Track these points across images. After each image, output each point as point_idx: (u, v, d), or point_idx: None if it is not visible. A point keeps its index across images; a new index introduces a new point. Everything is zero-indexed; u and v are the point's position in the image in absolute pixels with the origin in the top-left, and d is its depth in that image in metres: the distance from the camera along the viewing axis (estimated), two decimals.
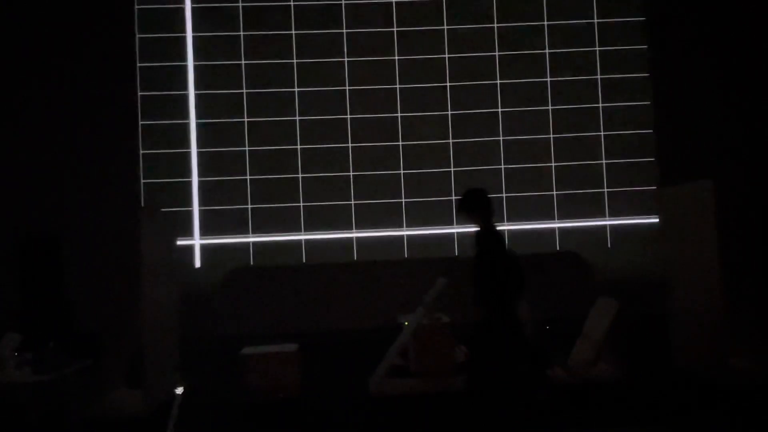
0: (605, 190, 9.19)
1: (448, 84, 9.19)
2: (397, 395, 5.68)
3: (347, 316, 8.59)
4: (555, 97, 9.24)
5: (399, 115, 9.17)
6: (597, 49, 9.30)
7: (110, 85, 8.61)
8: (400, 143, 9.13)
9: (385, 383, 5.82)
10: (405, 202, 9.06)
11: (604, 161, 9.23)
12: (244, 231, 8.94)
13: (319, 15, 9.18)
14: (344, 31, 9.16)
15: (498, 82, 9.23)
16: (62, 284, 7.66)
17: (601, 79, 9.27)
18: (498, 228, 5.09)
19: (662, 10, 9.15)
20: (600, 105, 9.26)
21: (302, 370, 5.91)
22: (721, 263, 5.51)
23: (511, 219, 9.08)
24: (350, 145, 9.09)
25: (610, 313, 5.99)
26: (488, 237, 4.98)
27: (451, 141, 9.16)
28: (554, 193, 9.16)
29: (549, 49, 9.27)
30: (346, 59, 9.15)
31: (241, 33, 9.10)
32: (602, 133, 9.25)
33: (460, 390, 5.14)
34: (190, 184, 8.94)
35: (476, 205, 5.06)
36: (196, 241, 8.84)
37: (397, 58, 9.20)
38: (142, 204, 8.72)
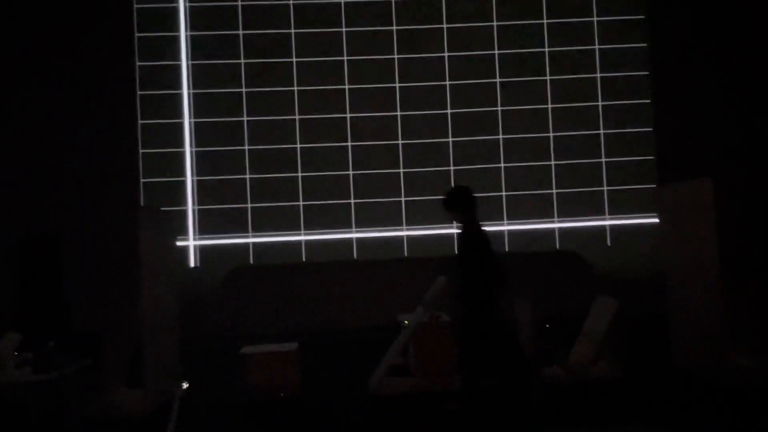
0: (605, 188, 9.19)
1: (447, 82, 9.18)
2: (397, 394, 5.69)
3: (347, 316, 8.60)
4: (554, 96, 9.24)
5: (398, 113, 9.16)
6: (597, 47, 9.29)
7: (109, 85, 8.62)
8: (400, 142, 9.13)
9: (385, 382, 5.83)
10: (405, 201, 9.06)
11: (603, 159, 9.23)
12: (243, 230, 8.95)
13: (318, 13, 9.18)
14: (344, 29, 9.15)
15: (497, 80, 9.22)
16: (62, 284, 7.67)
17: (600, 77, 9.27)
18: (482, 226, 5.10)
19: (662, 8, 9.15)
20: (600, 103, 9.26)
21: (302, 370, 5.91)
22: (720, 261, 5.51)
23: (511, 218, 9.08)
24: (350, 144, 9.09)
25: (609, 311, 5.99)
26: (470, 234, 4.99)
27: (450, 140, 9.16)
28: (554, 191, 9.16)
29: (549, 47, 9.27)
30: (345, 58, 9.15)
31: (240, 32, 9.10)
32: (602, 132, 9.25)
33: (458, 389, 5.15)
34: (189, 183, 8.94)
35: (459, 202, 5.08)
36: (190, 242, 8.84)
37: (396, 56, 9.20)
38: (142, 203, 8.73)
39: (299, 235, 8.96)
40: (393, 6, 9.19)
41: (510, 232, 9.09)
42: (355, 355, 7.13)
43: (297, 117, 9.07)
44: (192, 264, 8.79)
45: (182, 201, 8.87)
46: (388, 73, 9.16)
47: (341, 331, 8.43)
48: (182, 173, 8.93)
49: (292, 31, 9.12)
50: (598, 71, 9.27)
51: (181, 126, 8.97)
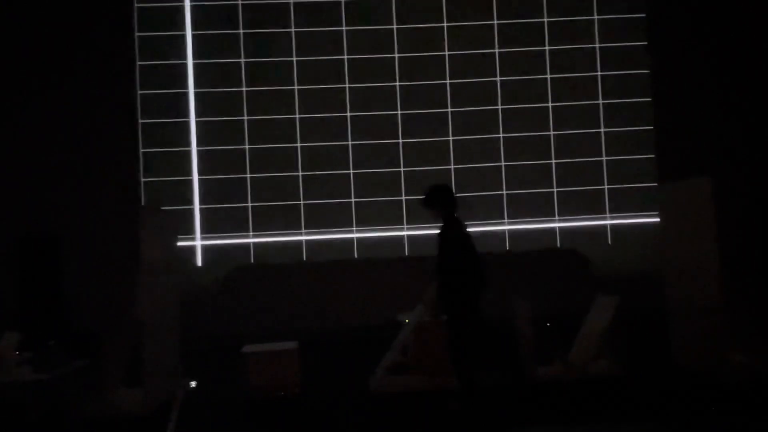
0: (605, 187, 9.18)
1: (447, 81, 9.18)
2: (398, 392, 5.69)
3: (348, 314, 8.60)
4: (555, 94, 9.23)
5: (399, 112, 9.16)
6: (597, 45, 9.28)
7: (110, 84, 8.62)
8: (400, 141, 9.13)
9: (386, 380, 5.82)
10: (405, 200, 9.06)
11: (604, 158, 9.22)
12: (244, 230, 8.95)
13: (318, 12, 9.18)
14: (344, 28, 9.14)
15: (498, 79, 9.22)
16: (62, 283, 7.67)
17: (601, 75, 9.26)
18: (464, 224, 5.10)
19: (662, 7, 9.14)
20: (600, 102, 9.25)
21: (302, 368, 5.91)
22: (720, 259, 5.50)
23: (512, 217, 9.08)
24: (350, 143, 9.09)
25: (610, 309, 5.98)
26: (450, 233, 5.00)
27: (451, 138, 9.15)
28: (554, 190, 9.16)
29: (549, 46, 9.26)
30: (345, 57, 9.14)
31: (241, 31, 9.09)
32: (602, 130, 9.24)
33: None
34: (190, 182, 8.94)
35: (438, 201, 5.08)
36: (197, 242, 8.84)
37: (396, 55, 9.19)
38: (142, 203, 8.73)
39: (300, 234, 8.96)
40: (393, 5, 9.18)
41: (510, 231, 9.08)
42: (355, 353, 7.13)
43: (297, 116, 9.07)
44: (199, 263, 8.80)
45: (182, 200, 8.87)
46: (388, 72, 9.16)
47: (342, 330, 8.43)
48: (183, 173, 8.93)
49: (293, 30, 9.11)
50: (599, 69, 9.26)
51: (181, 125, 8.97)
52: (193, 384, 5.96)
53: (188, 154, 8.95)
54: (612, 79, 9.25)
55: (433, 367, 5.83)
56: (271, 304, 8.61)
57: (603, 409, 5.03)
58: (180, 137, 8.96)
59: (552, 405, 5.22)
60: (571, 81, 9.24)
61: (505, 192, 9.13)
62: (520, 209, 9.10)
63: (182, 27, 9.00)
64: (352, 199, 9.03)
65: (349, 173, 9.06)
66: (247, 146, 8.99)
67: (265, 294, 8.67)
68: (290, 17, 9.11)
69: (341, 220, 9.00)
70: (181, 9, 9.02)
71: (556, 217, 9.13)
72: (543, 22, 9.27)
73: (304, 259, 8.96)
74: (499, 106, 9.20)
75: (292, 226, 8.98)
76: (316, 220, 8.99)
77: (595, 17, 9.31)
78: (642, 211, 9.07)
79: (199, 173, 8.95)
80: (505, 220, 9.08)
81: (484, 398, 5.13)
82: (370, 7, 9.17)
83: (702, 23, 9.00)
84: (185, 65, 8.98)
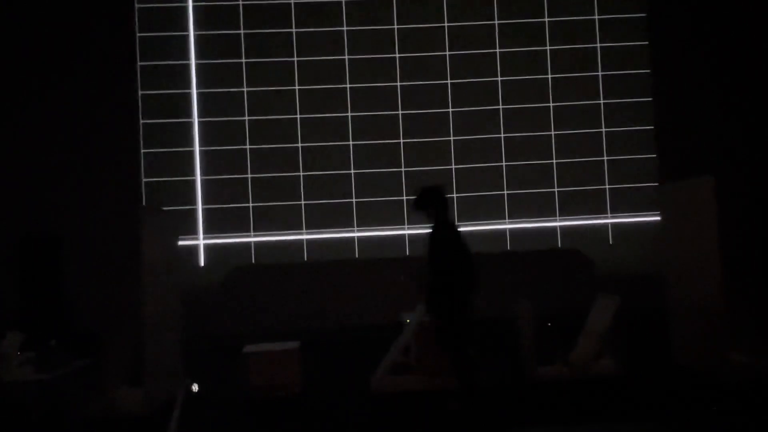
0: (606, 186, 9.18)
1: (448, 81, 9.18)
2: (399, 392, 5.69)
3: (349, 314, 8.60)
4: (556, 94, 9.23)
5: (400, 112, 9.16)
6: (598, 45, 9.28)
7: (111, 85, 8.63)
8: (401, 141, 9.13)
9: (387, 380, 5.82)
10: (406, 200, 9.06)
11: (605, 158, 9.22)
12: (245, 229, 8.95)
13: (319, 12, 9.18)
14: (345, 28, 9.15)
15: (499, 79, 9.22)
16: (64, 283, 7.67)
17: (602, 75, 9.26)
18: (455, 225, 5.12)
19: (663, 6, 9.14)
20: (601, 102, 9.25)
21: (304, 368, 5.91)
22: (721, 259, 5.50)
23: (513, 216, 9.08)
24: (351, 143, 9.09)
25: (611, 309, 5.98)
26: (440, 234, 5.00)
27: (451, 138, 9.15)
28: (556, 190, 9.16)
29: (550, 45, 9.26)
30: (346, 57, 9.14)
31: (242, 31, 9.10)
32: (603, 130, 9.24)
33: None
34: (191, 183, 8.95)
35: (428, 202, 5.10)
36: (200, 241, 8.85)
37: (397, 55, 9.19)
38: (143, 203, 8.74)
39: (301, 234, 8.96)
40: (394, 4, 9.18)
41: (511, 230, 9.09)
42: (356, 353, 7.13)
43: (298, 116, 9.07)
44: (201, 263, 8.81)
45: (184, 201, 8.87)
46: (389, 72, 9.16)
47: (343, 330, 8.44)
48: (184, 173, 8.93)
49: (293, 30, 9.12)
50: (600, 69, 9.26)
51: (183, 126, 8.98)
52: (195, 387, 5.97)
53: (190, 154, 8.95)
54: (613, 78, 9.25)
55: (435, 368, 5.84)
56: (271, 303, 8.61)
57: (604, 409, 5.03)
58: (181, 137, 8.97)
59: (553, 405, 5.23)
60: (571, 81, 9.23)
61: (506, 192, 9.13)
62: (521, 209, 9.10)
63: (184, 28, 9.01)
64: (353, 199, 9.03)
65: (351, 173, 9.06)
66: (248, 146, 9.00)
67: (266, 294, 8.67)
68: (291, 17, 9.11)
69: (342, 220, 9.00)
70: (183, 9, 9.02)
71: (557, 217, 9.13)
72: (544, 22, 9.27)
73: (305, 258, 8.96)
74: (500, 106, 9.20)
75: (293, 225, 8.98)
76: (317, 220, 8.99)
77: (596, 17, 9.31)
78: (643, 211, 9.07)
79: (201, 173, 8.95)
80: (506, 220, 9.08)
81: (483, 398, 5.13)
82: (370, 7, 9.17)
83: (703, 23, 8.99)
84: (186, 66, 8.99)
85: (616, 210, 9.15)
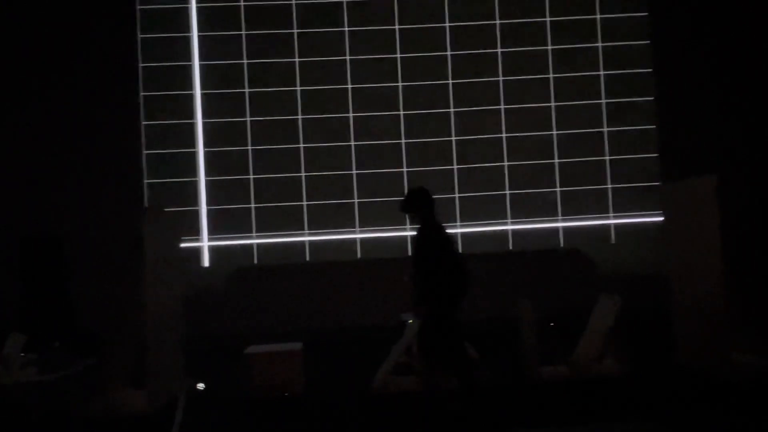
0: (609, 186, 9.17)
1: (450, 81, 9.17)
2: (401, 393, 5.69)
3: (351, 314, 8.60)
4: (557, 94, 9.22)
5: (401, 113, 9.16)
6: (600, 44, 9.27)
7: (113, 86, 8.64)
8: (403, 141, 9.13)
9: (389, 381, 5.82)
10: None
11: (607, 157, 9.20)
12: (247, 231, 8.96)
13: (321, 13, 9.18)
14: (346, 29, 9.15)
15: (500, 78, 9.21)
16: (66, 284, 7.68)
17: (604, 74, 9.25)
18: (443, 226, 5.12)
19: (665, 5, 9.11)
20: (603, 101, 9.24)
21: (306, 369, 5.92)
22: (724, 258, 5.48)
23: (515, 216, 9.07)
24: (353, 143, 9.09)
25: (613, 309, 5.98)
26: (428, 235, 5.00)
27: (453, 138, 9.15)
28: (558, 189, 9.15)
29: (551, 45, 9.25)
30: (348, 57, 9.14)
31: (243, 32, 9.10)
32: (605, 130, 9.23)
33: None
34: (193, 184, 8.95)
35: (416, 204, 5.10)
36: (205, 242, 8.86)
37: (399, 55, 9.19)
38: (146, 204, 8.75)
39: (303, 235, 8.97)
40: (396, 4, 9.18)
41: (513, 230, 9.08)
42: (359, 354, 7.13)
43: (300, 117, 9.08)
44: (206, 264, 8.83)
45: (186, 201, 8.88)
46: (390, 73, 9.16)
47: (345, 330, 8.43)
48: (187, 174, 8.94)
49: (295, 31, 9.12)
50: (601, 68, 9.24)
51: (185, 126, 8.98)
52: (201, 386, 5.98)
53: (192, 155, 8.96)
54: (614, 78, 9.23)
55: (437, 367, 5.82)
56: (274, 304, 8.61)
57: (606, 409, 5.02)
58: (184, 138, 8.98)
59: (555, 405, 5.22)
60: (573, 80, 9.22)
61: (508, 192, 9.12)
62: (523, 209, 9.09)
63: (185, 29, 9.02)
64: (355, 200, 9.03)
65: (352, 173, 9.06)
66: (250, 147, 9.00)
67: (268, 294, 8.67)
68: (292, 18, 9.11)
69: (344, 221, 9.00)
70: (184, 10, 9.03)
71: (559, 217, 9.12)
72: (545, 21, 9.26)
73: (307, 259, 8.96)
74: (502, 106, 9.19)
75: (296, 226, 8.98)
76: (320, 221, 8.99)
77: (597, 16, 9.29)
78: (645, 211, 9.05)
79: (199, 174, 8.96)
80: (508, 220, 9.08)
81: (485, 398, 5.13)
82: (372, 7, 9.17)
83: (705, 21, 8.97)
84: (189, 67, 9.00)
85: (618, 210, 9.14)
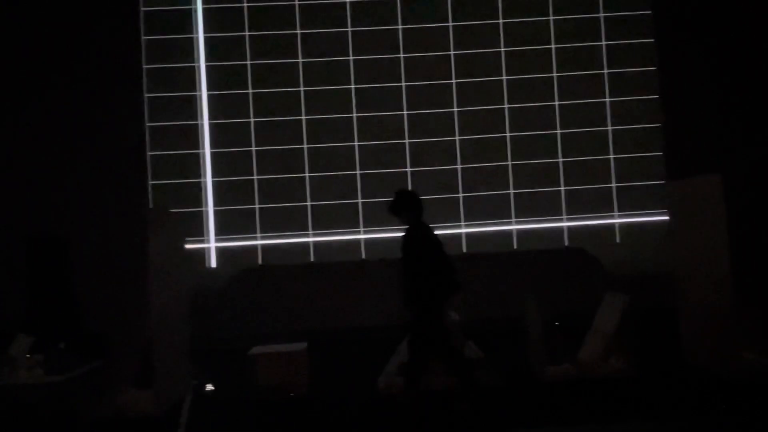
0: (613, 185, 9.14)
1: (453, 81, 9.16)
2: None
3: (356, 315, 8.60)
4: (561, 92, 9.20)
5: (405, 113, 9.15)
6: (604, 43, 9.24)
7: (117, 88, 8.66)
8: (407, 141, 9.12)
9: (395, 381, 5.82)
10: None
11: (611, 156, 9.18)
12: (252, 231, 8.96)
13: (323, 13, 9.18)
14: (349, 29, 9.15)
15: (504, 78, 9.19)
16: (72, 286, 7.70)
17: (608, 73, 9.23)
18: (431, 228, 5.15)
19: (669, 3, 9.09)
20: (607, 100, 9.21)
21: (311, 369, 5.92)
22: (730, 257, 5.47)
23: (519, 216, 9.05)
24: (356, 144, 9.09)
25: (619, 307, 5.96)
26: (415, 237, 5.04)
27: (457, 138, 9.14)
28: (562, 188, 9.13)
29: (555, 43, 9.24)
30: (351, 57, 9.14)
31: (246, 33, 9.11)
32: (610, 128, 9.20)
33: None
34: (198, 185, 8.97)
35: (404, 206, 5.15)
36: (212, 244, 8.88)
37: (402, 55, 9.18)
38: (150, 205, 8.77)
39: (308, 236, 8.97)
40: (398, 4, 9.18)
41: (518, 230, 9.06)
42: (364, 354, 7.13)
43: (303, 117, 9.08)
44: (213, 264, 8.85)
45: (191, 203, 8.89)
46: (394, 72, 9.16)
47: (351, 330, 8.43)
48: (190, 175, 8.95)
49: (298, 31, 9.13)
50: (605, 67, 9.22)
51: (189, 128, 9.00)
52: (210, 387, 6.00)
53: (197, 156, 8.97)
54: (619, 76, 9.21)
55: (442, 368, 5.82)
56: (279, 305, 8.62)
57: (612, 408, 5.01)
58: (188, 140, 8.99)
59: (561, 404, 5.21)
60: (577, 79, 9.20)
61: (512, 191, 9.10)
62: (527, 208, 9.07)
63: (189, 30, 9.04)
64: (359, 200, 9.02)
65: (356, 173, 9.06)
66: (254, 148, 9.01)
67: (274, 295, 8.68)
68: (295, 18, 9.12)
69: (348, 221, 8.99)
70: (189, 12, 9.05)
71: (564, 216, 9.10)
72: (549, 20, 9.24)
73: (312, 260, 8.96)
74: (506, 105, 9.17)
75: (300, 227, 8.98)
76: (324, 221, 8.99)
77: (601, 14, 9.27)
78: (650, 209, 9.02)
79: (203, 175, 8.97)
80: (513, 219, 9.06)
81: (490, 397, 5.12)
82: (375, 7, 9.17)
83: (709, 19, 8.94)
84: (192, 68, 9.01)
85: (623, 208, 9.11)
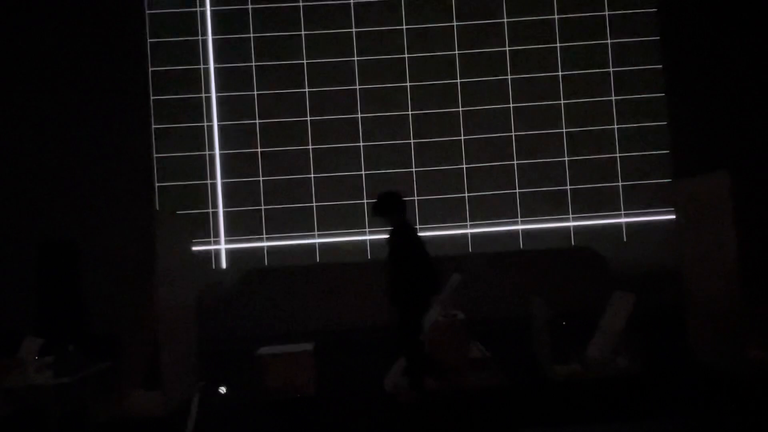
0: (620, 183, 9.12)
1: (458, 80, 9.16)
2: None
3: (362, 315, 8.61)
4: (567, 92, 9.18)
5: (410, 113, 9.16)
6: (609, 41, 9.22)
7: (123, 90, 8.71)
8: (412, 141, 9.13)
9: (401, 381, 5.82)
10: (417, 200, 9.06)
11: (618, 155, 9.16)
12: (258, 233, 8.99)
13: (328, 14, 9.20)
14: (353, 30, 9.16)
15: (509, 77, 9.19)
16: (80, 288, 7.75)
17: (613, 71, 9.21)
18: (415, 229, 5.18)
19: (673, 1, 9.06)
20: (613, 98, 9.19)
21: (318, 370, 5.93)
22: (737, 254, 5.44)
23: (526, 215, 9.04)
24: (361, 144, 9.10)
25: (627, 306, 5.94)
26: (399, 237, 5.07)
27: (462, 138, 9.13)
28: (568, 187, 9.11)
29: (561, 42, 9.22)
30: (356, 58, 9.16)
31: (251, 35, 9.14)
32: (615, 127, 9.18)
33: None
34: (205, 186, 9.00)
35: (388, 207, 5.19)
36: (222, 245, 8.91)
37: (407, 55, 9.19)
38: (157, 207, 8.81)
39: (313, 237, 8.98)
40: (402, 4, 9.18)
41: (525, 229, 9.05)
42: (370, 355, 7.14)
43: (308, 118, 9.10)
44: (223, 265, 8.88)
45: (197, 205, 8.93)
46: (398, 72, 9.16)
47: (357, 330, 8.44)
48: (197, 177, 8.99)
49: (302, 33, 9.15)
50: (611, 65, 9.20)
51: (195, 130, 9.03)
52: (223, 389, 6.02)
53: (203, 158, 9.01)
54: (624, 74, 9.18)
55: (448, 367, 5.82)
56: (286, 306, 8.64)
57: (620, 407, 4.99)
58: (193, 141, 9.03)
59: (569, 403, 5.20)
60: (583, 77, 9.18)
61: (518, 190, 9.09)
62: (533, 208, 9.06)
63: (193, 33, 9.08)
64: (365, 201, 9.03)
65: (361, 174, 9.07)
66: (259, 149, 9.03)
67: (280, 296, 8.70)
68: (300, 19, 9.14)
69: (353, 222, 9.01)
70: (193, 15, 9.08)
71: (570, 215, 9.08)
72: (554, 18, 9.22)
73: (317, 260, 8.98)
74: (511, 105, 9.16)
75: (305, 228, 9.00)
76: (329, 222, 9.00)
77: (606, 13, 9.25)
78: (656, 208, 8.99)
79: (212, 177, 9.00)
80: (519, 219, 9.05)
81: (500, 397, 5.11)
82: (378, 8, 9.18)
83: (714, 16, 8.91)
84: (197, 70, 9.05)
85: (629, 207, 9.09)
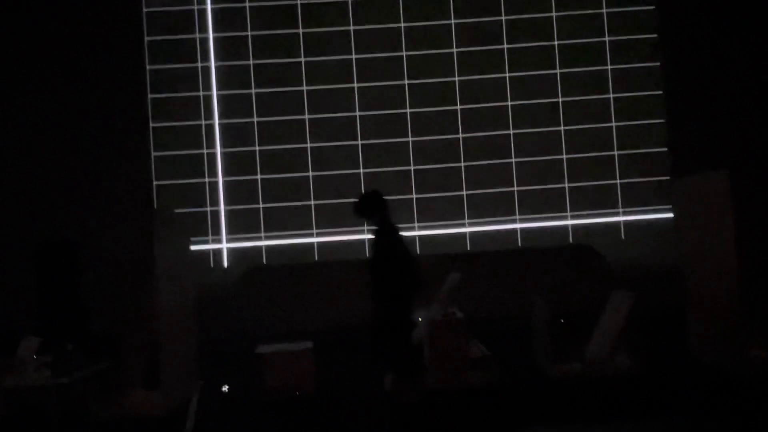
0: (618, 181, 9.12)
1: (456, 78, 9.15)
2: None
3: (362, 313, 8.59)
4: (565, 89, 9.17)
5: (408, 111, 9.14)
6: (607, 39, 9.22)
7: (121, 90, 8.68)
8: (410, 139, 9.11)
9: (401, 381, 5.81)
10: (416, 198, 9.05)
11: (616, 152, 9.16)
12: (256, 231, 8.97)
13: (327, 13, 9.17)
14: (351, 28, 9.14)
15: (507, 75, 9.17)
16: (79, 287, 7.73)
17: (611, 69, 9.20)
18: (397, 228, 5.18)
19: None
20: (611, 95, 9.19)
21: (317, 368, 5.92)
22: (737, 253, 5.44)
23: (524, 213, 9.04)
24: (360, 142, 9.09)
25: (626, 305, 5.94)
26: (383, 237, 5.07)
27: (461, 136, 9.12)
28: (566, 185, 9.11)
29: (558, 40, 9.21)
30: (353, 56, 9.13)
31: (249, 33, 9.11)
32: (614, 124, 9.18)
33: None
34: (203, 185, 8.98)
35: (371, 207, 5.18)
36: (224, 244, 8.90)
37: (405, 53, 9.16)
38: (155, 206, 8.78)
39: (312, 236, 8.97)
40: (401, 3, 9.16)
41: (523, 228, 9.05)
42: (369, 353, 7.12)
43: (306, 117, 9.08)
44: (225, 264, 8.87)
45: (195, 203, 8.91)
46: (396, 71, 9.14)
47: (356, 329, 8.43)
48: (195, 176, 8.97)
49: (300, 30, 9.12)
50: (609, 63, 9.19)
51: (194, 128, 9.01)
52: (226, 388, 6.01)
53: (202, 157, 8.99)
54: (622, 72, 9.18)
55: (447, 366, 5.83)
56: (285, 304, 8.62)
57: (620, 406, 5.00)
58: (192, 140, 9.00)
59: (569, 402, 5.20)
60: (580, 76, 9.17)
61: (516, 189, 9.09)
62: (532, 206, 9.06)
63: (190, 31, 9.04)
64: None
65: (359, 172, 9.05)
66: (257, 148, 9.01)
67: (280, 294, 8.69)
68: (297, 19, 9.12)
69: (351, 220, 8.99)
70: (192, 13, 9.05)
71: (569, 213, 9.08)
72: (552, 16, 9.21)
73: (316, 258, 8.97)
74: (509, 103, 9.16)
75: (304, 226, 8.99)
76: (328, 220, 8.99)
77: (604, 10, 9.24)
78: (655, 206, 9.00)
79: (210, 176, 8.98)
80: (517, 217, 9.05)
81: (500, 396, 5.11)
82: (377, 6, 9.16)
83: (712, 13, 8.90)
84: (194, 69, 9.03)
85: (628, 205, 9.09)
